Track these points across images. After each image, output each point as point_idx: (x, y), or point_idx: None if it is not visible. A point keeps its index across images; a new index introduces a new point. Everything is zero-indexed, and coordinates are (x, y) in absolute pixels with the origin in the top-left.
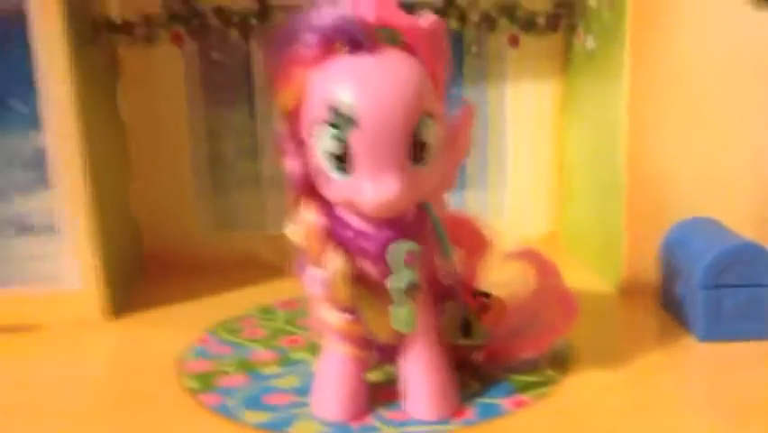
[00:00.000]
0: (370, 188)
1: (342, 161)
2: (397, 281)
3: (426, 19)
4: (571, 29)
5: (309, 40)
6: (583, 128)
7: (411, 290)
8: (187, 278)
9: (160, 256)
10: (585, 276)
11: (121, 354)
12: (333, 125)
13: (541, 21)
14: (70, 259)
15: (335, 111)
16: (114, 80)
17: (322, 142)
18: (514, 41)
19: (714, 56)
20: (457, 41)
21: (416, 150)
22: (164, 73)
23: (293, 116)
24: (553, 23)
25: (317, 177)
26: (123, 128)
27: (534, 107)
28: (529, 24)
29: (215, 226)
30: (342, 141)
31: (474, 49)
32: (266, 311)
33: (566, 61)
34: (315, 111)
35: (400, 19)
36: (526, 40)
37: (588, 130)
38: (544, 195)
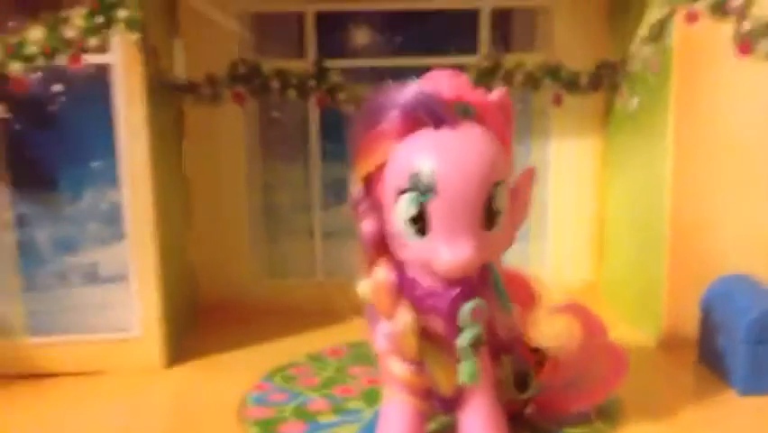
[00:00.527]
0: (447, 252)
1: (420, 225)
2: (465, 337)
3: (496, 92)
4: (613, 88)
5: (394, 115)
6: (625, 183)
7: (477, 344)
8: (240, 325)
9: (216, 304)
10: (623, 328)
11: (181, 401)
12: (415, 191)
13: (584, 80)
14: (135, 308)
15: (417, 179)
16: (180, 137)
17: (402, 208)
18: (557, 100)
19: (756, 114)
20: None
21: (489, 216)
22: (225, 130)
23: (371, 182)
24: (595, 82)
25: (391, 239)
26: (186, 182)
27: (576, 162)
28: (572, 84)
29: (268, 275)
30: (421, 207)
31: (519, 107)
32: (316, 359)
33: (608, 119)
34: (397, 179)
35: (473, 94)
36: (569, 98)
37: (630, 185)
38: (585, 247)
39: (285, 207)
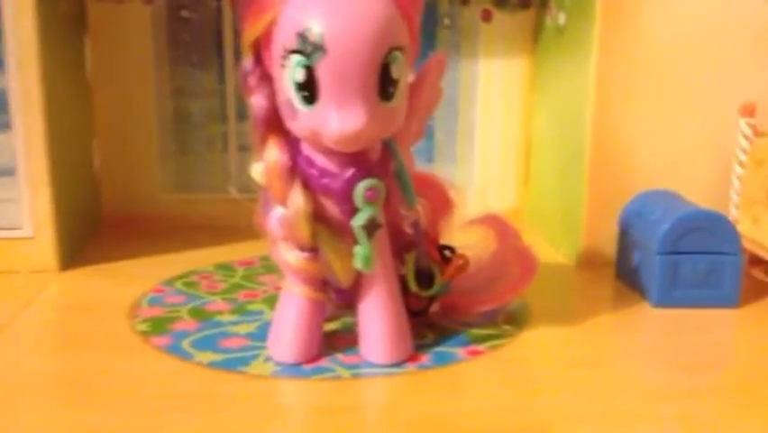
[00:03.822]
0: (336, 119)
1: (309, 91)
2: (359, 217)
3: None
4: (543, 5)
5: None
6: (551, 105)
7: (371, 226)
8: (146, 237)
9: (121, 215)
10: (547, 250)
11: (71, 301)
12: (302, 53)
13: None
14: (25, 206)
15: (304, 38)
16: (81, 34)
17: (289, 72)
18: (487, 16)
19: (679, 36)
20: (431, 13)
21: (384, 84)
22: (131, 29)
23: (260, 50)
24: None
25: (283, 111)
26: (88, 84)
27: (505, 83)
28: (501, 0)
29: (178, 188)
30: (309, 69)
31: (447, 21)
32: (225, 268)
33: (537, 37)
34: (283, 40)
35: None
36: (499, 15)
37: (555, 107)
38: (511, 169)
39: (196, 116)
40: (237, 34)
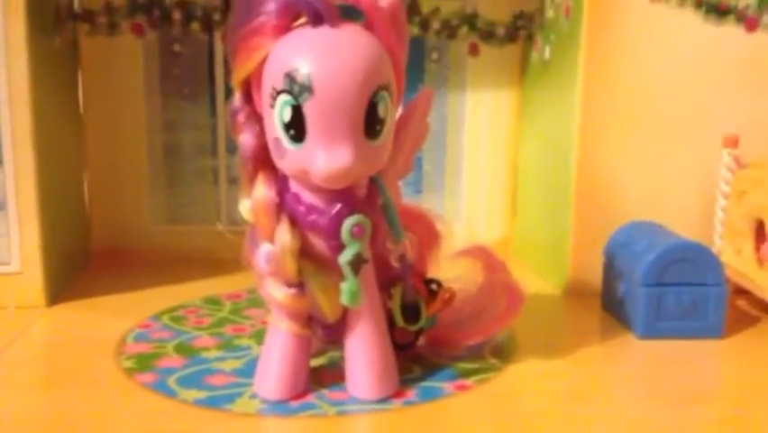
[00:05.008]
0: (323, 158)
1: (296, 130)
2: (346, 254)
3: (386, 0)
4: (530, 39)
5: (270, 9)
6: (537, 136)
7: (357, 262)
8: (135, 270)
9: (111, 248)
10: (533, 280)
11: (58, 337)
12: (290, 93)
13: (500, 31)
14: (14, 241)
15: (292, 79)
16: (74, 69)
17: (277, 111)
18: (474, 50)
19: (662, 69)
20: (418, 47)
21: (371, 123)
22: (123, 63)
23: (249, 88)
24: (512, 33)
25: (271, 150)
26: (80, 118)
27: (492, 115)
28: (489, 34)
29: (168, 220)
30: (297, 108)
31: (435, 55)
32: (212, 302)
33: (524, 71)
34: (272, 80)
35: None
36: (486, 49)
37: (541, 138)
38: (498, 201)
39: (187, 149)
40: (228, 70)
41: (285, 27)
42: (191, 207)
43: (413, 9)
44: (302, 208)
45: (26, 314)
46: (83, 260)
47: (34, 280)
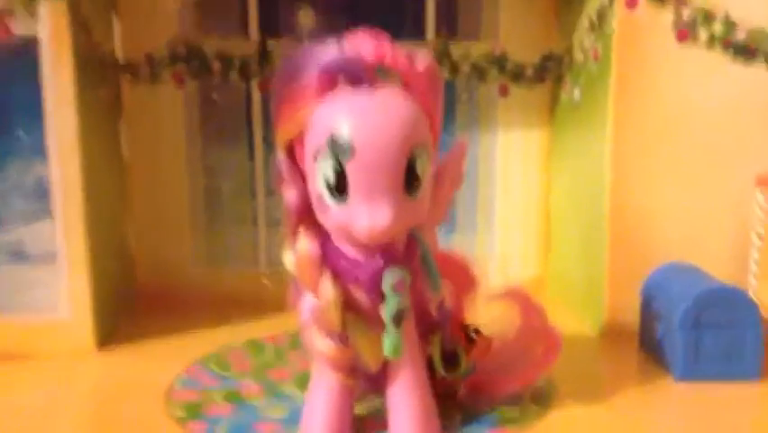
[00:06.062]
0: (366, 215)
1: (339, 188)
2: (387, 308)
3: (422, 61)
4: (558, 80)
5: (312, 75)
6: (569, 176)
7: (399, 316)
8: (178, 312)
9: (154, 290)
10: (569, 320)
11: (109, 383)
12: (333, 155)
13: (529, 72)
14: (64, 289)
15: (334, 141)
16: (116, 117)
17: (321, 172)
18: (503, 91)
19: (692, 109)
20: (449, 89)
21: (409, 180)
22: (165, 111)
23: (293, 148)
24: (541, 74)
25: (314, 206)
26: (123, 163)
27: (523, 155)
28: (518, 75)
29: (208, 262)
30: (339, 170)
31: (465, 97)
32: (254, 345)
33: (553, 111)
34: (315, 140)
35: (398, 59)
36: (516, 90)
37: (573, 178)
38: (531, 240)
39: (227, 193)
40: (266, 117)
41: (326, 89)
42: (231, 250)
43: (444, 54)
44: (343, 262)
45: (76, 360)
46: (128, 301)
47: (84, 326)
